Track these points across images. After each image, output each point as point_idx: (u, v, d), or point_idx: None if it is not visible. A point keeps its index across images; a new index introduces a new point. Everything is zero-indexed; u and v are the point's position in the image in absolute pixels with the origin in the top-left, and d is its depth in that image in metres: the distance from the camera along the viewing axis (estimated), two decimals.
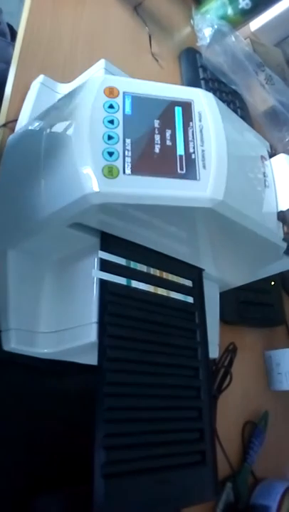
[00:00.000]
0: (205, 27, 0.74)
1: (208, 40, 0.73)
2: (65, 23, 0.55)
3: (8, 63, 0.48)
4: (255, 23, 0.97)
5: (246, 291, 0.62)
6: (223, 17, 0.76)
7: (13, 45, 0.49)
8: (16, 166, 0.37)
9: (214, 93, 0.34)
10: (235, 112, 0.75)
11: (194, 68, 0.73)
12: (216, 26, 0.73)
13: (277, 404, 0.64)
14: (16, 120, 0.42)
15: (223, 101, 0.74)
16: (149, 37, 0.67)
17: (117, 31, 0.63)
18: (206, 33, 0.73)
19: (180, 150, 0.31)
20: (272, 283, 0.68)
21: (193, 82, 0.71)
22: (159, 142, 0.31)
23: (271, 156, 0.40)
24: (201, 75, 0.73)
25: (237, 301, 0.61)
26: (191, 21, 0.77)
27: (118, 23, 0.64)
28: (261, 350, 0.66)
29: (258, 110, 0.79)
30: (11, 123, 0.42)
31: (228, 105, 0.74)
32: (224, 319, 0.58)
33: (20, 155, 0.37)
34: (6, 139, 0.40)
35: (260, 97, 0.79)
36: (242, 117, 0.63)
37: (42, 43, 0.50)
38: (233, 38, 0.75)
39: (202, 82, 0.72)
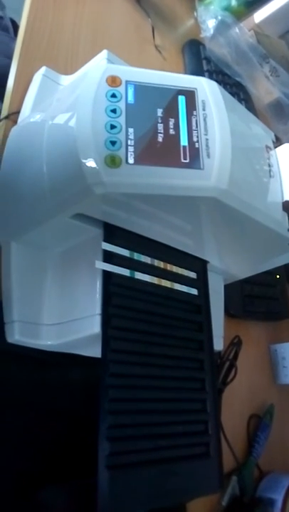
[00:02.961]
0: (208, 18, 0.73)
1: (211, 32, 0.73)
2: (68, 14, 0.54)
3: (11, 58, 0.48)
4: (259, 15, 0.96)
5: (251, 285, 0.62)
6: (227, 8, 0.75)
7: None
8: (19, 157, 0.37)
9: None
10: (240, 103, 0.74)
11: (198, 60, 0.72)
12: (219, 17, 0.73)
13: (283, 398, 0.64)
14: (18, 112, 0.42)
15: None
16: (152, 29, 0.66)
17: (119, 23, 0.62)
18: (210, 24, 0.73)
19: (183, 139, 0.30)
20: (278, 276, 0.68)
21: (196, 73, 0.70)
22: (162, 131, 0.30)
23: (276, 146, 0.40)
24: (205, 67, 0.72)
25: (242, 295, 0.60)
26: (195, 13, 0.76)
27: (121, 15, 0.63)
28: (266, 344, 0.66)
29: (263, 102, 0.78)
30: (13, 115, 0.42)
31: (233, 97, 0.74)
32: (229, 312, 0.57)
33: (23, 146, 0.37)
34: (8, 130, 0.40)
35: (265, 89, 0.78)
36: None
37: (44, 34, 0.50)
38: (237, 30, 0.74)
39: (206, 73, 0.72)
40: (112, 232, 0.33)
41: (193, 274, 0.39)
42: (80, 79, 0.33)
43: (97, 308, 0.32)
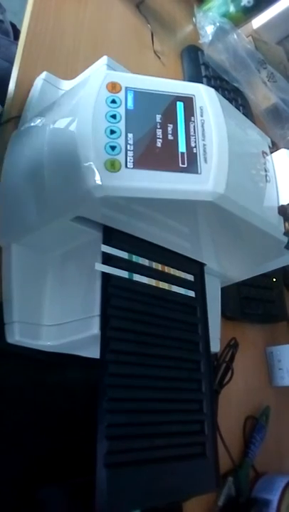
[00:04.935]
0: (207, 24, 0.74)
1: (210, 38, 0.74)
2: (68, 20, 0.55)
3: (11, 62, 0.48)
4: (257, 21, 0.98)
5: (248, 287, 0.63)
6: (225, 15, 0.76)
7: (17, 44, 0.49)
8: (20, 161, 0.37)
9: (216, 90, 0.34)
10: (238, 109, 0.75)
11: (196, 66, 0.73)
12: (218, 24, 0.74)
13: (279, 400, 0.64)
14: (19, 116, 0.43)
15: (225, 98, 0.74)
16: (152, 34, 0.67)
17: (119, 29, 0.63)
18: (208, 30, 0.74)
19: (182, 144, 0.31)
20: (274, 279, 0.69)
21: (195, 79, 0.71)
22: (160, 137, 0.31)
23: (272, 151, 0.41)
24: (203, 73, 0.73)
25: (239, 297, 0.61)
26: (193, 19, 0.77)
27: (120, 21, 0.64)
28: (262, 346, 0.66)
29: (260, 108, 0.79)
30: (14, 119, 0.42)
31: (230, 103, 0.74)
32: (226, 315, 0.58)
33: (24, 151, 0.38)
34: (9, 134, 0.40)
35: (262, 95, 0.79)
36: (244, 115, 0.63)
37: (45, 40, 0.51)
38: (235, 36, 0.75)
39: (204, 79, 0.72)
40: (111, 235, 0.34)
41: (190, 277, 0.39)
42: (80, 84, 0.34)
43: (96, 309, 0.32)
